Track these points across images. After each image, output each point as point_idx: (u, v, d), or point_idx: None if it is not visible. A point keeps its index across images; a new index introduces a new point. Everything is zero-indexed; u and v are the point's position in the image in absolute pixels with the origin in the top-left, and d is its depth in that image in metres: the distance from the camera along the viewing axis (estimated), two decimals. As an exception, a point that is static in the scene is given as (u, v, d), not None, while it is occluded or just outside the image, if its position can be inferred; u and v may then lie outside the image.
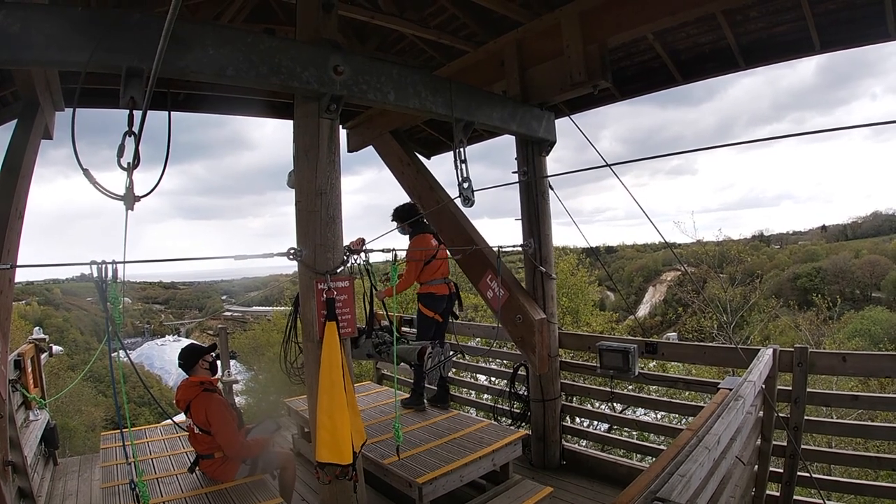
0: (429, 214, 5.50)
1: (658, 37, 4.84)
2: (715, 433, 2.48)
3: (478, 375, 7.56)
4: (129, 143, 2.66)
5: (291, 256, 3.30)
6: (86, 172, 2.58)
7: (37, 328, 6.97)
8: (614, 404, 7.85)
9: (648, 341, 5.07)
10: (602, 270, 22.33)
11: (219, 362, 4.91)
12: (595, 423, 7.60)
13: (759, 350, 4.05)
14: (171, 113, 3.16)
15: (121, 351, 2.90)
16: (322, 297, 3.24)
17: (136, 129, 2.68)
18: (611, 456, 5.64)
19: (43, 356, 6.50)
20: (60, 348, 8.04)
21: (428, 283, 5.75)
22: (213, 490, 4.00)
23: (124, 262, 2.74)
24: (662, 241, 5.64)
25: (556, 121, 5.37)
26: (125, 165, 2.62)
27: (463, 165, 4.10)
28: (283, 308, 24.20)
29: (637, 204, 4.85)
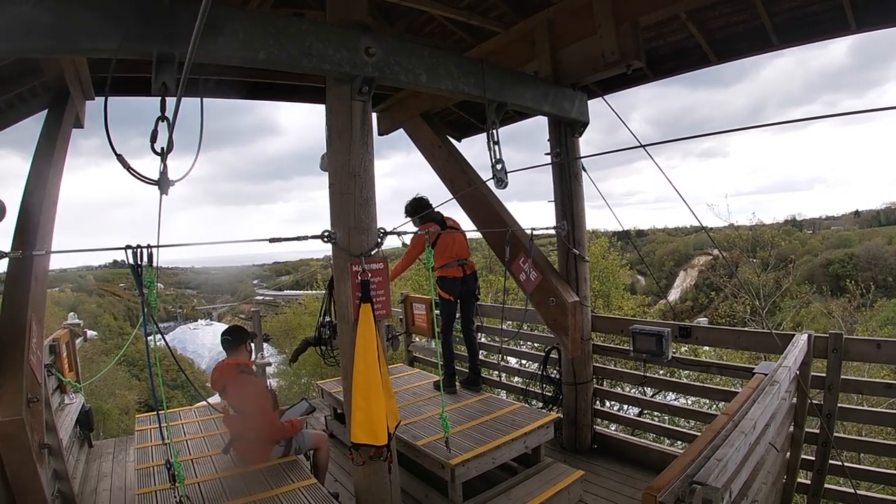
0: (460, 197, 5.47)
1: (691, 16, 4.73)
2: (751, 418, 2.45)
3: (508, 358, 7.56)
4: (163, 129, 2.67)
5: (326, 239, 3.31)
6: (120, 158, 2.60)
7: (71, 314, 7.12)
8: (644, 388, 7.79)
9: (682, 325, 5.02)
10: (633, 254, 22.06)
11: (252, 345, 4.98)
12: (625, 407, 7.57)
13: (793, 335, 3.98)
14: (200, 98, 3.18)
15: (156, 334, 2.95)
16: (357, 279, 3.25)
17: (168, 114, 2.69)
18: (642, 440, 5.62)
19: (77, 341, 6.65)
20: (95, 333, 8.22)
21: (442, 266, 5.74)
22: (247, 471, 4.05)
23: (158, 247, 2.79)
24: (694, 224, 5.58)
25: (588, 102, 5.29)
26: (159, 150, 2.64)
27: (496, 147, 4.06)
28: (314, 292, 24.41)
29: (673, 187, 4.76)
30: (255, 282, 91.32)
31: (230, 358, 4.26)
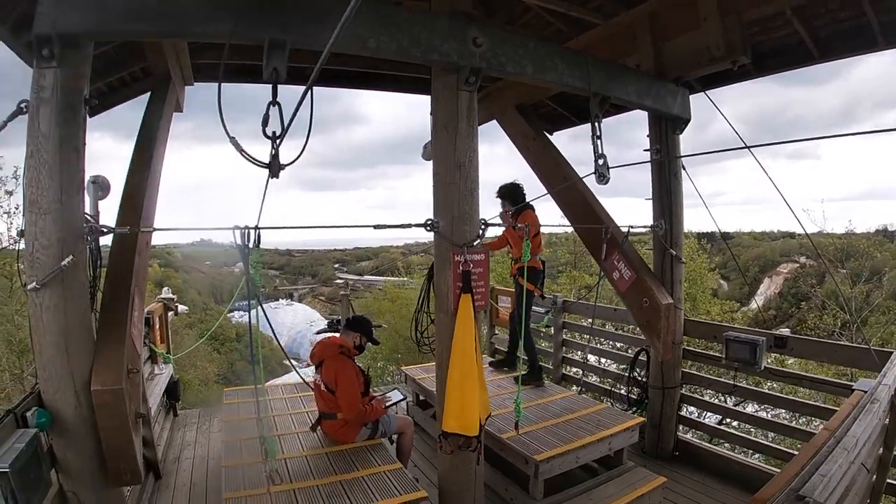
0: (554, 191, 5.39)
1: (796, 11, 4.48)
2: (853, 435, 2.39)
3: (588, 356, 7.44)
4: (273, 113, 2.72)
5: (429, 227, 3.34)
6: (233, 141, 2.65)
7: (165, 288, 7.50)
8: (726, 397, 7.51)
9: (777, 335, 4.82)
10: (719, 257, 21.23)
11: (339, 327, 5.09)
12: (704, 414, 7.31)
13: (892, 353, 3.74)
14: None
15: (257, 312, 3.03)
16: (458, 269, 3.26)
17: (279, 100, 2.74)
18: (725, 451, 5.42)
19: (170, 314, 6.99)
20: (185, 307, 8.66)
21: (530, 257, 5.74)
22: (333, 450, 4.13)
23: (264, 228, 2.86)
24: (781, 230, 5.33)
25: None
26: (269, 134, 2.69)
27: (598, 141, 3.98)
28: (394, 279, 24.81)
29: (780, 194, 4.60)
30: (336, 265, 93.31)
31: (337, 338, 4.39)
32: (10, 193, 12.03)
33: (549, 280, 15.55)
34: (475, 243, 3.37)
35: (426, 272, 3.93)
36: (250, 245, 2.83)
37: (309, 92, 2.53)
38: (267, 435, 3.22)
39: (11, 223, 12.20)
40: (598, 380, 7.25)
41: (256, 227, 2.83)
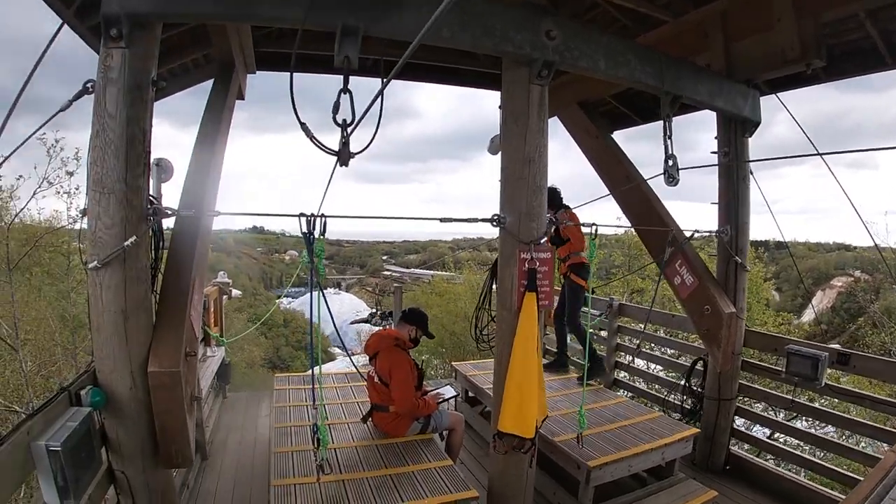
0: (617, 191, 5.27)
1: (870, 14, 4.27)
2: None
3: (637, 360, 7.31)
4: (344, 101, 2.69)
5: (495, 223, 3.27)
6: (304, 127, 2.64)
7: (221, 272, 7.58)
8: (777, 410, 7.27)
9: (841, 350, 4.61)
10: (774, 266, 20.61)
11: (390, 318, 5.07)
12: (752, 426, 7.11)
13: None
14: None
15: (319, 300, 3.00)
16: (524, 267, 3.19)
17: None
18: (776, 467, 5.22)
19: (224, 298, 7.11)
20: (239, 292, 8.82)
21: (577, 253, 5.72)
22: (383, 443, 4.11)
23: (331, 216, 2.82)
24: (837, 241, 5.13)
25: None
26: (340, 122, 2.66)
27: (669, 141, 3.85)
28: (442, 273, 24.95)
29: (853, 206, 4.48)
30: (384, 257, 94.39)
31: (392, 330, 4.38)
32: (70, 174, 12.47)
33: (600, 281, 15.34)
34: (542, 241, 3.29)
35: (488, 268, 3.87)
36: (315, 234, 2.81)
37: (382, 83, 2.49)
38: (322, 424, 3.20)
39: (71, 203, 12.66)
40: (647, 385, 7.09)
41: (322, 216, 2.79)
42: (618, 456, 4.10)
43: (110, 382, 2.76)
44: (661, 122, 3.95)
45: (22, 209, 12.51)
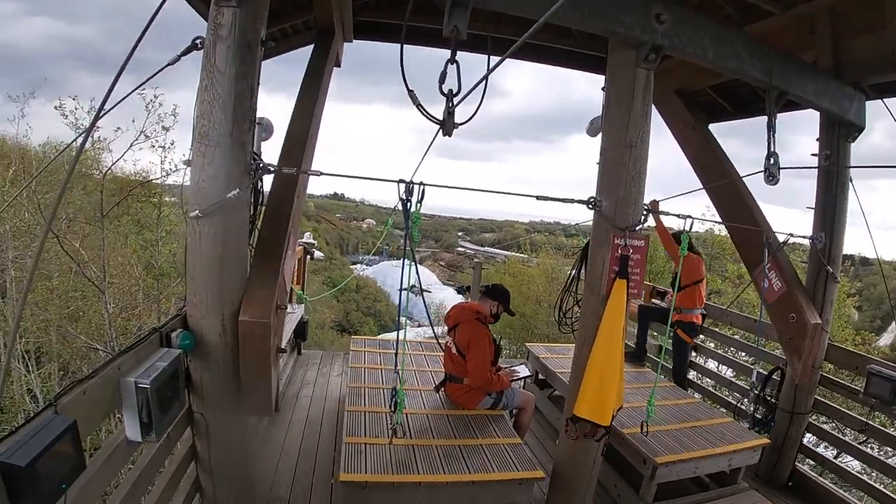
0: (710, 186, 5.14)
1: None
2: None
3: (709, 362, 7.16)
4: (451, 71, 2.68)
5: (591, 206, 3.24)
6: (412, 94, 2.66)
7: (307, 233, 7.83)
8: (847, 430, 7.00)
9: (927, 376, 4.34)
10: (856, 282, 19.58)
11: (467, 292, 5.11)
12: (820, 443, 6.87)
13: None
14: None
15: (410, 269, 3.09)
16: (616, 253, 3.15)
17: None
18: (839, 490, 5.00)
19: (307, 258, 7.35)
20: (321, 254, 9.06)
21: (689, 310, 5.70)
22: (454, 413, 4.18)
23: (430, 185, 2.86)
24: None
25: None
26: (445, 92, 2.67)
27: (773, 138, 3.72)
28: (517, 255, 24.90)
29: None
30: (460, 234, 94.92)
31: (474, 303, 4.42)
32: (166, 129, 13.13)
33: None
34: (637, 228, 3.24)
35: (579, 251, 3.81)
36: (413, 201, 2.84)
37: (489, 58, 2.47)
38: (400, 389, 3.27)
39: (165, 157, 13.34)
40: (714, 386, 6.92)
41: (422, 183, 2.83)
42: (686, 456, 4.04)
43: (201, 328, 2.85)
44: (755, 118, 3.80)
45: (118, 159, 13.26)
